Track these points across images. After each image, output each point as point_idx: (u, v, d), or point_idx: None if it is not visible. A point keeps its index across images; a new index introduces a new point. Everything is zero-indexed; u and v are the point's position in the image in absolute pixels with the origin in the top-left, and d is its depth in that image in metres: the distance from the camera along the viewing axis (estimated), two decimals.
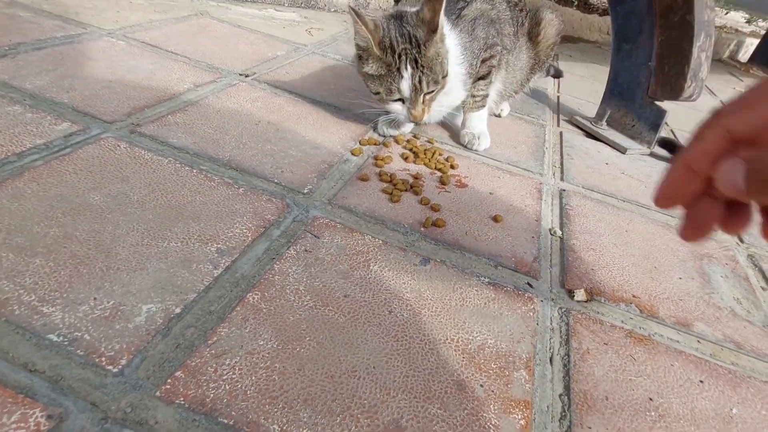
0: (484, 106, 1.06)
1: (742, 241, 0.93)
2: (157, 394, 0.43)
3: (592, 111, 1.39)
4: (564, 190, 0.97)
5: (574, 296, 0.67)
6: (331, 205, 0.75)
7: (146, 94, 0.92)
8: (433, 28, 0.85)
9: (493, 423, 0.48)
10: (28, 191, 0.61)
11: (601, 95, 1.34)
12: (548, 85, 1.68)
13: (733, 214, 0.29)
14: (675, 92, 1.15)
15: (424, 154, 0.95)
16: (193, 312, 0.51)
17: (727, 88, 2.39)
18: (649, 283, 0.74)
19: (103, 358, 0.45)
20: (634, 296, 0.70)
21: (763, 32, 3.55)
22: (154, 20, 1.30)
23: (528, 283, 0.68)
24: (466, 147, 1.05)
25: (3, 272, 0.50)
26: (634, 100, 1.26)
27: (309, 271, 0.61)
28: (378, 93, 0.90)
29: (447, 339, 0.56)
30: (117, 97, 0.88)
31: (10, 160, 0.66)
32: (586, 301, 0.67)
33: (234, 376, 0.46)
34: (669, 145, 1.25)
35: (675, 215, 0.96)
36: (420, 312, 0.59)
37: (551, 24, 1.20)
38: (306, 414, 0.44)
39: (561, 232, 0.82)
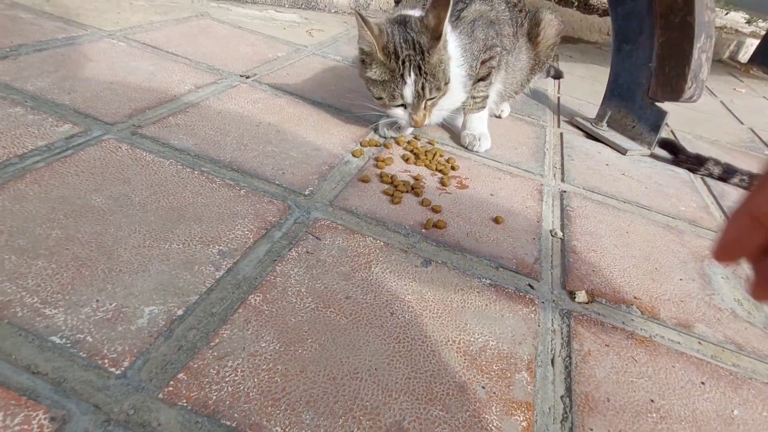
0: (484, 107, 1.06)
1: None
2: (160, 396, 0.43)
3: (592, 112, 1.39)
4: (565, 192, 0.97)
5: (575, 298, 0.67)
6: (332, 206, 0.75)
7: (147, 96, 0.92)
8: (436, 36, 0.85)
9: (495, 425, 0.48)
10: (30, 193, 0.62)
11: (602, 96, 1.34)
12: (548, 86, 1.68)
13: None
14: (675, 93, 1.15)
15: (425, 155, 0.95)
16: (195, 314, 0.51)
17: (728, 88, 2.40)
18: (650, 284, 0.74)
19: (106, 360, 0.45)
20: (635, 298, 0.70)
21: (763, 33, 3.56)
22: (155, 21, 1.31)
23: (529, 285, 0.68)
24: (466, 148, 1.05)
25: (5, 274, 0.50)
26: (635, 101, 1.26)
27: (310, 272, 0.61)
28: (381, 98, 0.90)
29: (448, 341, 0.56)
30: (118, 98, 0.88)
31: (11, 162, 0.66)
32: (587, 303, 0.67)
33: (236, 378, 0.46)
34: (669, 146, 1.25)
35: (676, 216, 0.96)
36: (421, 314, 0.59)
37: (551, 24, 1.20)
38: (308, 416, 0.44)
39: (562, 234, 0.82)
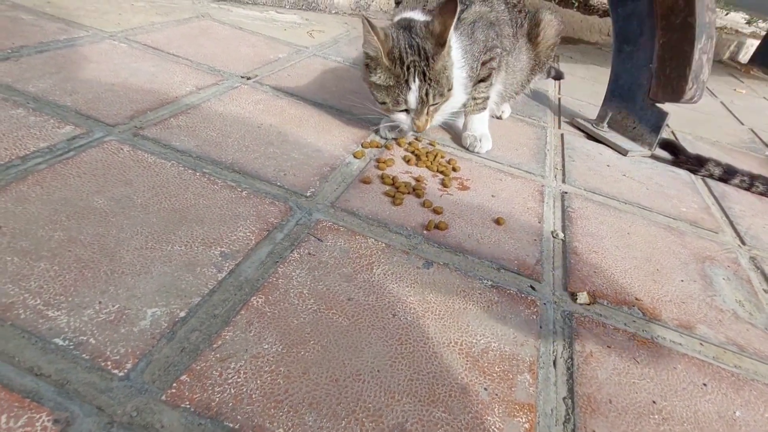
0: (485, 108, 1.06)
1: (744, 243, 0.93)
2: (163, 398, 0.43)
3: (593, 113, 1.39)
4: (566, 193, 0.97)
5: (576, 299, 0.67)
6: (333, 208, 0.75)
7: (149, 97, 0.92)
8: (441, 42, 0.85)
9: (497, 426, 0.48)
10: (32, 195, 0.62)
11: (602, 97, 1.34)
12: (549, 87, 1.68)
13: None
14: (676, 94, 1.15)
15: (426, 156, 0.95)
16: (197, 316, 0.52)
17: (728, 89, 2.40)
18: (652, 285, 0.74)
19: (109, 362, 0.45)
20: (636, 299, 0.71)
21: (763, 33, 3.56)
22: (156, 23, 1.31)
23: (531, 286, 0.68)
24: (467, 149, 1.05)
25: (8, 276, 0.50)
26: (635, 102, 1.26)
27: (313, 274, 0.61)
28: (384, 103, 0.90)
29: (451, 342, 0.56)
30: (120, 100, 0.88)
31: (14, 164, 0.66)
32: (588, 304, 0.67)
33: (239, 380, 0.46)
34: (670, 146, 1.25)
35: (677, 217, 0.97)
36: (423, 315, 0.59)
37: (550, 25, 1.20)
38: (311, 418, 0.45)
39: (563, 235, 0.82)
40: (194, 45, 1.22)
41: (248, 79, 1.12)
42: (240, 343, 0.50)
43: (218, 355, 0.48)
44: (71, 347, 0.45)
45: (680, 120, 1.63)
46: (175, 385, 0.44)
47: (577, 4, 2.80)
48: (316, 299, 0.57)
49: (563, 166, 1.09)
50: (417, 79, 0.86)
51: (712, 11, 1.10)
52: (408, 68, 0.85)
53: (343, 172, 0.85)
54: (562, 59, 2.17)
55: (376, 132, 1.02)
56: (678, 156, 1.23)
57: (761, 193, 1.17)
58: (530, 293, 0.67)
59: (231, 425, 0.42)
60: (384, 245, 0.69)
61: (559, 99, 1.59)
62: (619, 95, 1.30)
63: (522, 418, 0.50)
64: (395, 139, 1.01)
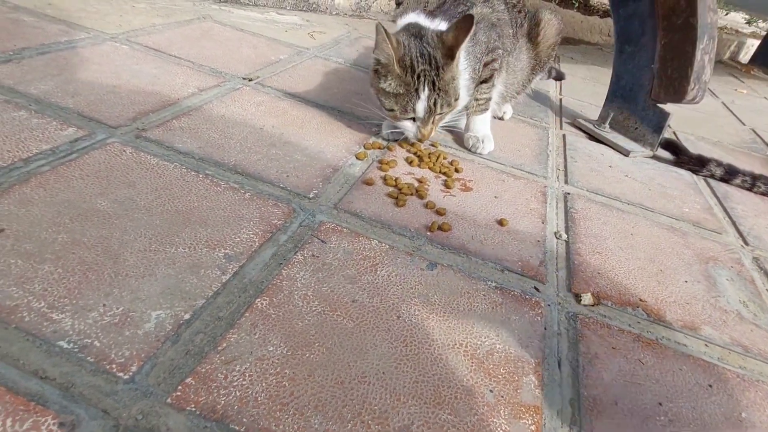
0: (487, 109, 1.06)
1: (747, 243, 0.93)
2: (168, 401, 0.43)
3: (594, 113, 1.39)
4: (568, 194, 0.97)
5: (581, 300, 0.67)
6: (337, 209, 0.75)
7: (151, 99, 0.92)
8: (451, 55, 0.86)
9: (503, 428, 0.48)
10: (36, 197, 0.61)
11: (604, 97, 1.34)
12: (550, 87, 1.68)
13: None
14: (678, 95, 1.15)
15: (429, 157, 0.95)
16: (202, 318, 0.51)
17: (729, 89, 2.40)
18: (656, 286, 0.74)
19: (114, 365, 0.45)
20: (640, 300, 0.70)
21: (763, 33, 3.56)
22: (157, 24, 1.31)
23: (535, 288, 0.68)
24: (470, 150, 1.05)
25: (12, 279, 0.50)
26: (637, 102, 1.26)
27: (317, 276, 0.61)
28: (392, 110, 0.90)
29: (455, 344, 0.56)
30: (122, 101, 0.88)
31: (16, 166, 0.66)
32: (593, 305, 0.67)
33: (244, 383, 0.46)
34: (672, 147, 1.25)
35: (679, 218, 0.96)
36: (428, 317, 0.59)
37: (550, 24, 1.21)
38: (317, 420, 0.44)
39: (566, 236, 0.82)
40: (196, 46, 1.22)
41: (250, 80, 1.12)
42: (245, 345, 0.50)
43: (223, 358, 0.48)
44: (76, 350, 0.45)
45: (681, 120, 1.63)
46: (180, 387, 0.44)
47: (577, 5, 2.81)
48: (321, 301, 0.57)
49: (565, 166, 1.09)
50: (426, 89, 0.86)
51: (714, 12, 1.10)
52: (418, 77, 0.85)
53: (345, 174, 0.85)
54: (563, 60, 2.17)
55: (378, 133, 1.02)
56: (680, 156, 1.23)
57: (763, 193, 1.17)
58: (534, 294, 0.67)
59: (237, 428, 0.42)
60: (387, 247, 0.69)
61: (561, 100, 1.59)
62: (620, 96, 1.30)
63: (528, 420, 0.49)
64: (397, 140, 1.01)
